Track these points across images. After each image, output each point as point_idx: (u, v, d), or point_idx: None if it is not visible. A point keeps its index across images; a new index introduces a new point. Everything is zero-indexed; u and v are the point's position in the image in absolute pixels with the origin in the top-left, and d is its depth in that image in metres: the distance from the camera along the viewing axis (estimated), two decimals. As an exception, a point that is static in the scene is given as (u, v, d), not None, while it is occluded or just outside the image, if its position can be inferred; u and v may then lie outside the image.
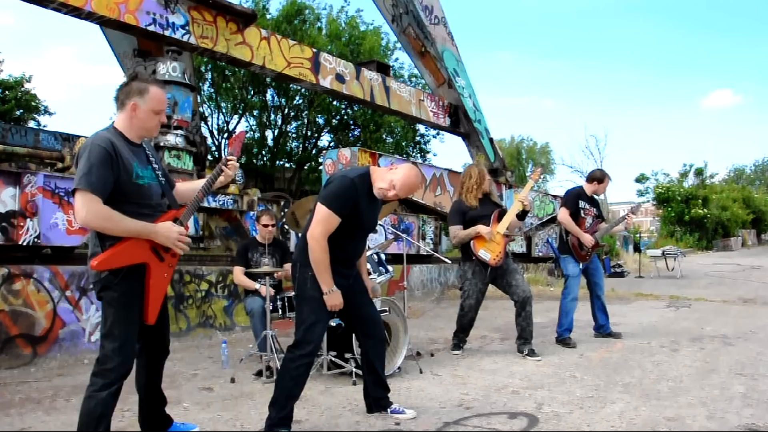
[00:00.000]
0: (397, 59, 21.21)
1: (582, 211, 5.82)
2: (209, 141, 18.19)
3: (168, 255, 2.67)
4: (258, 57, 8.88)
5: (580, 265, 5.81)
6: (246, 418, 3.48)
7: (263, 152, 20.73)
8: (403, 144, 21.78)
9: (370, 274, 4.48)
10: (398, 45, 16.80)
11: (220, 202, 8.07)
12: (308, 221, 3.21)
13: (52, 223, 5.81)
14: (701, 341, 5.86)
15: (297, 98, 19.86)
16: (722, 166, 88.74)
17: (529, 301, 5.11)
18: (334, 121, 20.92)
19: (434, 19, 12.39)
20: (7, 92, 19.78)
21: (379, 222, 4.99)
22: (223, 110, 19.85)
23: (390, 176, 3.18)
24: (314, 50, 10.16)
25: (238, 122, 20.24)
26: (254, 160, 20.18)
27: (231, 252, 8.14)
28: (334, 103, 19.15)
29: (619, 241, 19.50)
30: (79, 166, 2.50)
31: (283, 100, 19.82)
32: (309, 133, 21.20)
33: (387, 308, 4.53)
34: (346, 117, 20.74)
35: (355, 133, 20.90)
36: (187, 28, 7.83)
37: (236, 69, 17.13)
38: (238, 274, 5.01)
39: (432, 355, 5.26)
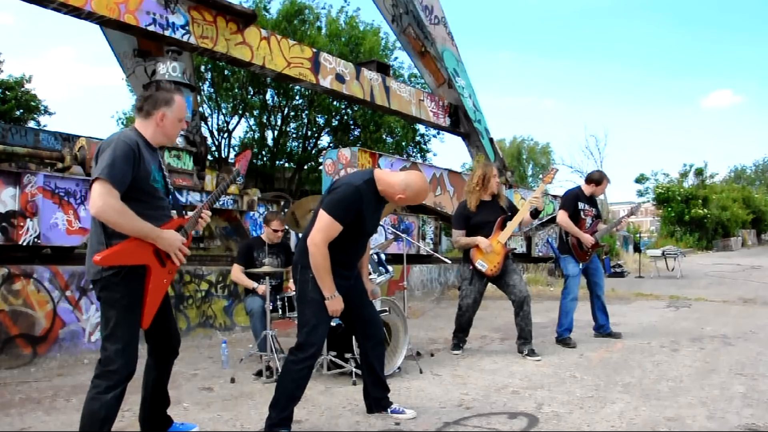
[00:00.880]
0: (396, 59, 21.23)
1: (581, 212, 5.82)
2: (209, 141, 18.19)
3: (170, 261, 2.68)
4: (258, 57, 8.88)
5: (580, 265, 5.81)
6: (246, 418, 3.48)
7: (263, 152, 20.72)
8: (403, 144, 21.77)
9: (370, 274, 4.48)
10: (398, 45, 16.80)
11: (220, 202, 8.07)
12: (310, 223, 3.20)
13: (52, 223, 5.81)
14: (701, 341, 5.86)
15: (297, 98, 19.86)
16: (722, 166, 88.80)
17: (526, 301, 5.11)
18: (334, 121, 20.92)
19: (434, 19, 12.39)
20: (7, 92, 19.78)
21: (379, 222, 4.99)
22: (223, 110, 19.85)
23: (398, 179, 3.18)
24: (314, 50, 10.16)
25: (238, 122, 20.26)
26: (254, 160, 20.16)
27: (231, 252, 8.14)
28: (334, 103, 19.15)
29: (619, 241, 19.49)
30: (102, 158, 2.52)
31: (283, 100, 19.82)
32: (309, 133, 21.20)
33: (387, 308, 4.53)
34: (346, 117, 20.73)
35: (355, 133, 20.89)
36: (187, 28, 7.83)
37: (236, 69, 17.13)
38: (236, 271, 5.01)
39: (432, 355, 5.26)
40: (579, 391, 4.00)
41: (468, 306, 5.26)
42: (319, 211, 3.11)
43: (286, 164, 21.20)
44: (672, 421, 3.33)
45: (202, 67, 17.55)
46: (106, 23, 7.44)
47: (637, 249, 18.32)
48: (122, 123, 21.05)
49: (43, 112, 21.50)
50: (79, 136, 10.24)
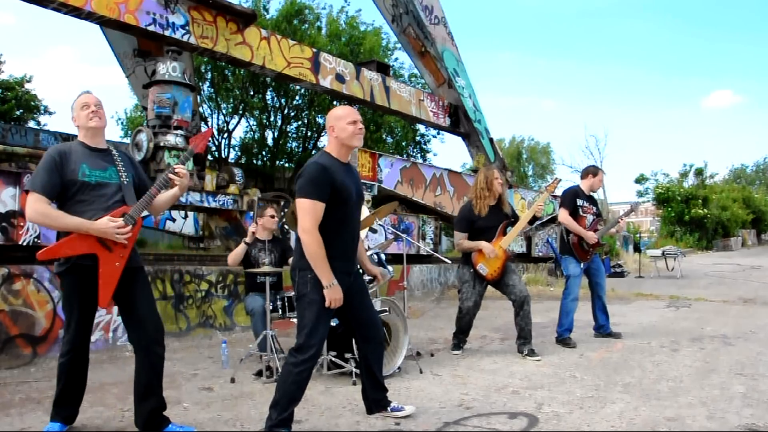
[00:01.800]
0: (397, 59, 21.21)
1: (581, 209, 5.82)
2: (209, 141, 18.16)
3: (118, 246, 2.95)
4: (258, 57, 8.89)
5: (582, 264, 5.81)
6: (246, 418, 3.48)
7: (263, 152, 20.71)
8: (403, 144, 21.76)
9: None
10: (398, 45, 16.79)
11: (220, 202, 8.07)
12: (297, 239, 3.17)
13: (52, 223, 5.80)
14: (701, 341, 5.86)
15: (297, 98, 19.85)
16: (722, 166, 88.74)
17: (526, 301, 5.11)
18: (329, 120, 20.88)
19: (434, 19, 12.39)
20: (7, 92, 19.77)
21: (379, 222, 4.99)
22: (223, 110, 19.85)
23: (328, 128, 3.26)
24: (314, 50, 10.17)
25: (238, 122, 20.25)
26: (254, 160, 20.17)
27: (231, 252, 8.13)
28: (335, 103, 19.14)
29: (619, 241, 19.48)
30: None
31: (283, 100, 19.81)
32: (309, 133, 21.17)
33: (387, 308, 4.53)
34: (346, 117, 20.67)
35: (356, 133, 20.78)
36: (187, 28, 7.84)
37: (236, 69, 17.13)
38: (230, 255, 5.00)
39: (432, 355, 5.26)
40: (579, 391, 4.00)
41: (468, 309, 5.26)
42: (296, 203, 3.08)
43: (286, 164, 21.18)
44: (672, 421, 3.33)
45: (202, 67, 17.54)
46: (106, 23, 7.45)
47: (637, 249, 18.33)
48: (122, 123, 21.07)
49: (43, 112, 21.51)
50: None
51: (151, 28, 7.44)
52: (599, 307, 6.04)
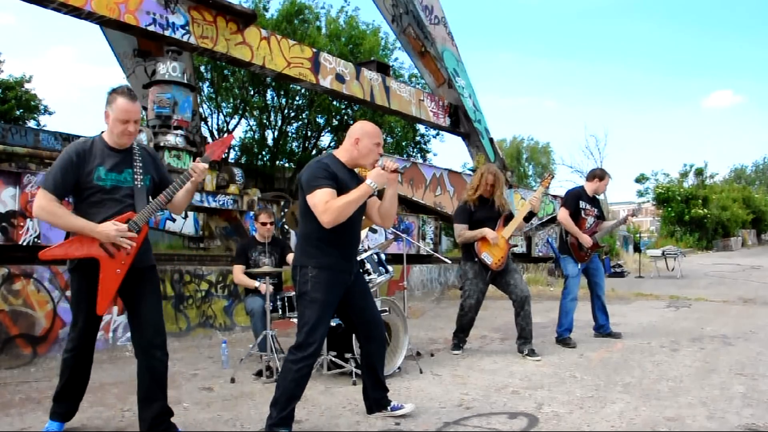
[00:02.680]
0: (396, 59, 21.21)
1: (583, 212, 5.82)
2: (209, 141, 18.16)
3: (120, 253, 2.90)
4: (258, 57, 8.88)
5: (580, 265, 5.81)
6: (246, 418, 3.48)
7: (263, 152, 20.71)
8: (403, 144, 21.76)
9: (370, 274, 4.48)
10: (398, 45, 16.78)
11: (220, 202, 8.07)
12: (302, 224, 3.18)
13: (52, 223, 5.80)
14: (701, 341, 5.86)
15: (297, 98, 19.85)
16: (722, 166, 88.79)
17: (527, 301, 5.11)
18: (334, 121, 20.89)
19: (434, 19, 12.39)
20: (7, 92, 19.76)
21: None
22: (223, 110, 19.85)
23: (351, 137, 3.20)
24: (314, 50, 10.16)
25: (238, 122, 20.25)
26: (254, 160, 20.17)
27: (231, 252, 8.12)
28: (335, 103, 19.14)
29: (619, 241, 19.49)
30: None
31: (283, 100, 19.81)
32: (309, 133, 21.17)
33: (387, 308, 4.53)
34: (346, 117, 20.71)
35: (356, 133, 20.77)
36: (187, 28, 7.83)
37: (236, 69, 17.12)
38: (238, 273, 5.01)
39: (432, 355, 5.26)
40: (579, 391, 4.00)
41: (471, 306, 5.25)
42: (304, 203, 3.06)
43: (286, 164, 21.18)
44: (672, 421, 3.33)
45: (202, 67, 17.53)
46: (106, 23, 7.44)
47: (637, 249, 18.33)
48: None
49: (43, 112, 21.49)
50: (79, 136, 10.25)
51: (151, 28, 7.44)
52: (599, 307, 6.04)
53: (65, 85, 70.21)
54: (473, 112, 13.15)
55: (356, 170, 3.29)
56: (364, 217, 3.38)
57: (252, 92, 19.34)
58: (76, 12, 6.83)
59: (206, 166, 3.10)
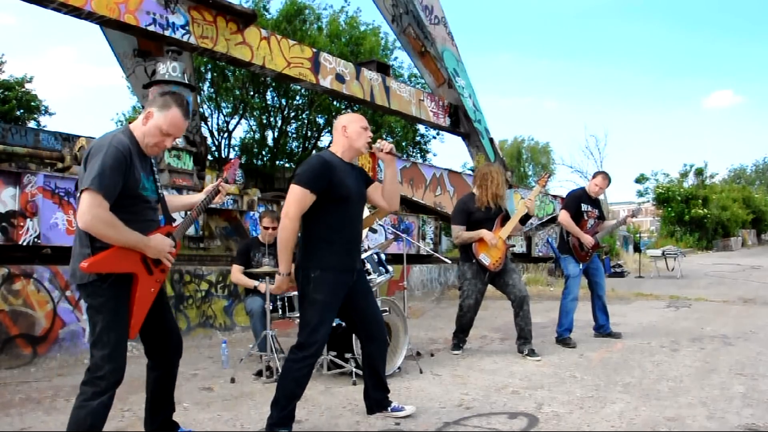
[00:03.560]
0: (396, 59, 21.22)
1: (584, 214, 5.84)
2: (209, 141, 18.18)
3: (157, 270, 2.61)
4: (258, 57, 8.89)
5: (581, 265, 5.82)
6: (246, 418, 3.48)
7: (263, 152, 20.72)
8: (403, 144, 21.77)
9: (370, 274, 4.48)
10: (398, 45, 16.80)
11: (220, 202, 8.07)
12: (303, 224, 3.19)
13: (52, 223, 5.81)
14: (701, 341, 5.86)
15: (297, 98, 19.86)
16: (722, 166, 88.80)
17: (525, 301, 5.11)
18: (334, 121, 20.91)
19: (434, 19, 12.39)
20: (7, 92, 19.77)
21: (379, 222, 4.99)
22: (223, 110, 19.85)
23: (338, 129, 3.26)
24: (314, 50, 10.16)
25: (238, 122, 20.26)
26: (254, 160, 20.18)
27: (231, 252, 8.13)
28: (335, 103, 19.15)
29: (619, 241, 19.48)
30: (92, 165, 2.39)
31: (283, 100, 19.82)
32: (309, 133, 21.19)
33: (387, 308, 4.53)
34: (346, 117, 20.68)
35: (356, 133, 20.77)
36: (187, 28, 7.83)
37: (236, 69, 17.13)
38: (236, 272, 5.01)
39: (432, 355, 5.26)
40: (579, 391, 4.00)
41: (470, 306, 5.26)
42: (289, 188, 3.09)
43: (286, 164, 21.19)
44: (672, 421, 3.33)
45: (202, 67, 17.54)
46: (106, 23, 7.44)
47: (637, 249, 18.33)
48: (122, 124, 21.07)
49: (43, 112, 21.50)
50: (79, 136, 10.25)
51: (151, 28, 7.44)
52: (599, 307, 6.04)
53: (66, 86, 70.29)
54: (473, 112, 13.16)
55: (356, 161, 3.32)
56: (364, 217, 3.39)
57: (252, 92, 19.35)
58: (76, 12, 6.84)
59: (231, 188, 3.03)
